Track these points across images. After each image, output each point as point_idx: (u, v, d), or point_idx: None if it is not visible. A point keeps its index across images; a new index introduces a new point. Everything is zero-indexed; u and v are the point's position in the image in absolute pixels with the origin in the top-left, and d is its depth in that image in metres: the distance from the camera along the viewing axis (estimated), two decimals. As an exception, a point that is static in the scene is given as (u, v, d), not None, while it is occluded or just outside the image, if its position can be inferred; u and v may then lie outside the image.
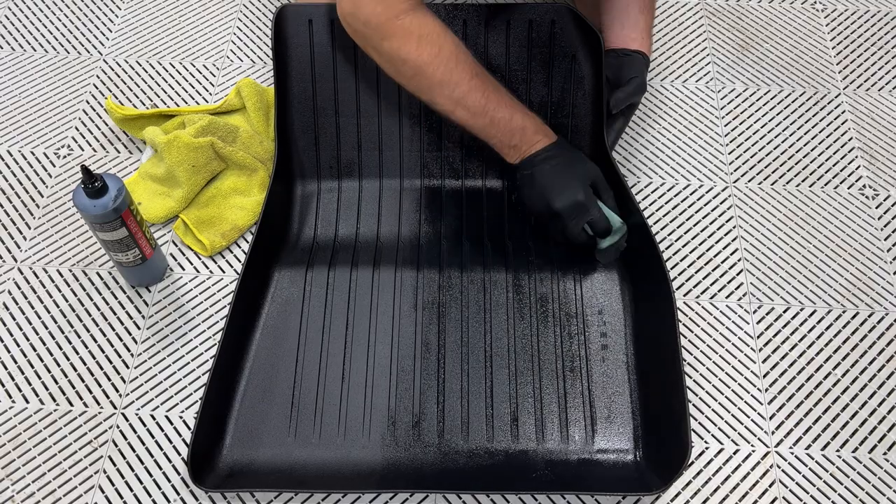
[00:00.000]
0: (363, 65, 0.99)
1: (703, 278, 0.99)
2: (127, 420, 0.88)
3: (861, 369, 0.92)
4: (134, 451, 0.86)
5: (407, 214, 1.01)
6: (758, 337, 0.95)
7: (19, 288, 0.97)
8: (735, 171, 1.08)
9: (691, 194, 1.06)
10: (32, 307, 0.96)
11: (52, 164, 1.07)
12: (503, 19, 0.98)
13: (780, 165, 1.08)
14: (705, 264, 1.00)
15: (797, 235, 1.02)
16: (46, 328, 0.94)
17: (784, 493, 0.85)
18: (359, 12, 0.83)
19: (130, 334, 0.94)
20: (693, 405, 0.90)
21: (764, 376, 0.92)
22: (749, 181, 1.07)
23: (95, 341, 0.93)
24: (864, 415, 0.89)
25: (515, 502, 0.84)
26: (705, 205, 1.05)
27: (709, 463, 0.86)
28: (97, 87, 1.15)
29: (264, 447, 0.84)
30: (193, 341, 0.93)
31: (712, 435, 0.88)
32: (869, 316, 0.96)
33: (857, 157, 1.09)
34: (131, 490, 0.84)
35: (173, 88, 1.15)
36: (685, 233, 1.02)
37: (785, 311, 0.96)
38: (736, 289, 0.98)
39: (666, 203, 1.05)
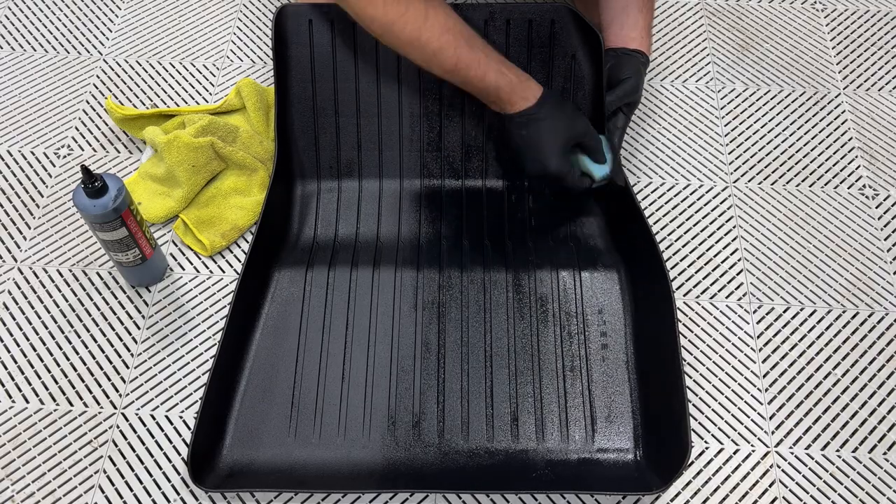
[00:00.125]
0: (363, 65, 0.99)
1: (703, 278, 0.99)
2: (127, 420, 0.88)
3: (861, 369, 0.92)
4: (134, 451, 0.86)
5: (407, 214, 1.01)
6: (758, 337, 0.95)
7: (19, 288, 0.97)
8: (735, 171, 1.08)
9: (691, 194, 1.06)
10: (32, 307, 0.96)
11: (52, 164, 1.07)
12: (503, 19, 0.98)
13: (780, 165, 1.08)
14: (705, 264, 1.00)
15: (797, 235, 1.02)
16: (46, 328, 0.94)
17: (784, 493, 0.85)
18: None
19: (130, 334, 0.94)
20: (693, 405, 0.90)
21: (764, 376, 0.92)
22: (749, 181, 1.07)
23: (95, 341, 0.93)
24: (864, 415, 0.89)
25: (515, 502, 0.84)
26: (705, 205, 1.05)
27: (709, 463, 0.86)
28: (97, 87, 1.15)
29: (264, 447, 0.84)
30: (193, 341, 0.94)
31: (712, 435, 0.88)
32: (869, 316, 0.96)
33: (857, 157, 1.09)
34: (131, 490, 0.84)
35: (173, 88, 1.15)
36: (685, 233, 1.02)
37: (785, 311, 0.96)
38: (736, 289, 0.98)
39: (666, 203, 1.05)
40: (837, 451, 0.87)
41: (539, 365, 0.89)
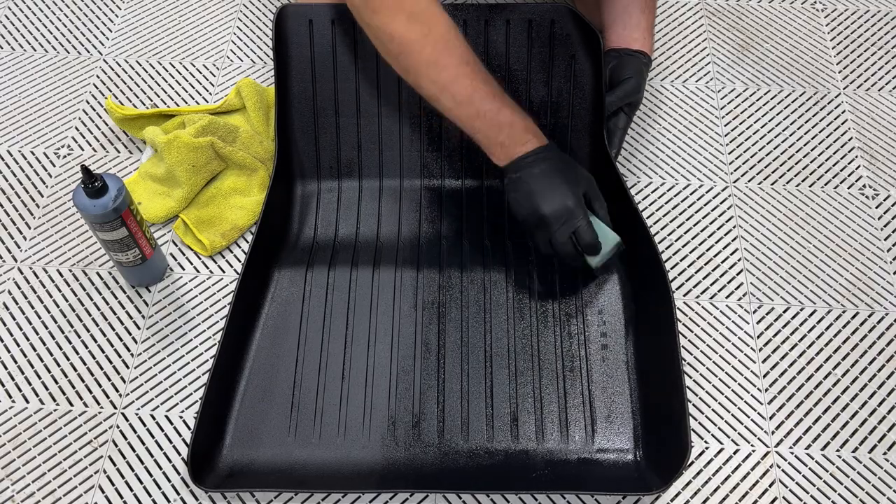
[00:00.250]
0: (363, 65, 0.99)
1: (703, 278, 0.99)
2: (127, 420, 0.88)
3: (861, 369, 0.92)
4: (134, 451, 0.86)
5: (407, 214, 1.01)
6: (758, 337, 0.95)
7: (19, 288, 0.97)
8: (735, 171, 1.08)
9: (691, 194, 1.06)
10: (32, 307, 0.96)
11: (52, 164, 1.07)
12: (503, 19, 0.98)
13: (780, 165, 1.08)
14: (705, 264, 1.00)
15: (797, 235, 1.02)
16: (46, 328, 0.94)
17: (784, 493, 0.85)
18: None
19: (130, 334, 0.94)
20: (693, 405, 0.90)
21: (764, 376, 0.92)
22: (749, 181, 1.07)
23: (95, 341, 0.93)
24: (864, 415, 0.89)
25: (515, 502, 0.84)
26: (705, 205, 1.05)
27: (709, 463, 0.86)
28: (97, 87, 1.15)
29: (264, 447, 0.84)
30: (193, 341, 0.94)
31: (712, 435, 0.88)
32: (869, 316, 0.96)
33: (857, 157, 1.09)
34: (131, 490, 0.84)
35: (173, 88, 1.15)
36: (685, 233, 1.02)
37: (785, 311, 0.96)
38: (736, 289, 0.98)
39: (666, 203, 1.05)
40: (837, 451, 0.87)
41: (539, 365, 0.89)
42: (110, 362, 0.92)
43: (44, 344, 0.93)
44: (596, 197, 0.89)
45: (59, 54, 1.18)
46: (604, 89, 0.98)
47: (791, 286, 0.98)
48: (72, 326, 0.94)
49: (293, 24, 0.98)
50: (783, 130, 1.11)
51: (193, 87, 1.15)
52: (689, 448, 0.76)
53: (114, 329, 0.94)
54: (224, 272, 0.99)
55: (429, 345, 0.91)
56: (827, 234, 1.02)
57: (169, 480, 0.85)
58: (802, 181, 1.07)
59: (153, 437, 0.87)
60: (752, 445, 0.88)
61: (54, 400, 0.90)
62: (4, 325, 0.94)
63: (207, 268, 0.99)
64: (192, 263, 0.99)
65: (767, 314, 0.96)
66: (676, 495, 0.85)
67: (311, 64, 0.99)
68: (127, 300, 0.96)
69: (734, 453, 0.87)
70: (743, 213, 1.04)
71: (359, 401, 0.87)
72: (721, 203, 1.05)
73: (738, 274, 0.99)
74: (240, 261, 1.00)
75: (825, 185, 1.07)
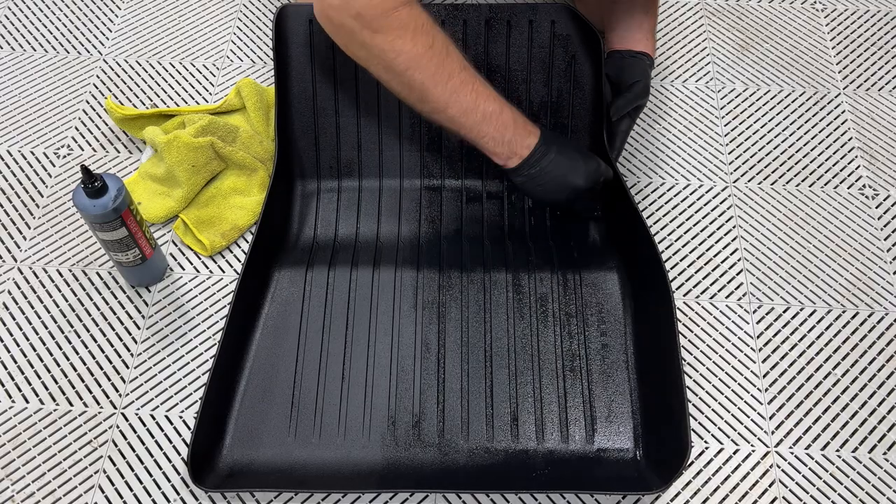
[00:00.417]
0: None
1: (703, 278, 0.99)
2: (127, 420, 0.88)
3: (861, 369, 0.92)
4: (134, 451, 0.86)
5: (407, 214, 1.01)
6: (758, 337, 0.95)
7: (19, 288, 0.97)
8: (735, 171, 1.08)
9: (691, 194, 1.06)
10: (32, 307, 0.96)
11: (52, 164, 1.07)
12: (503, 19, 0.98)
13: (780, 165, 1.08)
14: (705, 264, 1.00)
15: (797, 235, 1.02)
16: (46, 328, 0.94)
17: (784, 493, 0.85)
18: (349, 5, 0.79)
19: (130, 334, 0.94)
20: (693, 405, 0.90)
21: (764, 376, 0.92)
22: (749, 181, 1.07)
23: (95, 341, 0.93)
24: (864, 415, 0.89)
25: (515, 502, 0.84)
26: (705, 205, 1.05)
27: (709, 463, 0.86)
28: (97, 87, 1.15)
29: (264, 447, 0.84)
30: (193, 341, 0.94)
31: (712, 435, 0.88)
32: (869, 316, 0.96)
33: (857, 157, 1.09)
34: (131, 490, 0.84)
35: (173, 88, 1.15)
36: (685, 233, 1.02)
37: (785, 311, 0.96)
38: (736, 289, 0.98)
39: (666, 203, 1.05)
40: (837, 451, 0.87)
41: (539, 365, 0.89)
42: (110, 362, 0.92)
43: (44, 344, 0.93)
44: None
45: (59, 54, 1.18)
46: (604, 89, 0.98)
47: (791, 286, 0.98)
48: (72, 326, 0.94)
49: (293, 24, 0.98)
50: (783, 130, 1.11)
51: (193, 87, 1.15)
52: (689, 448, 0.76)
53: (114, 329, 0.94)
54: (224, 272, 0.99)
55: (429, 345, 0.91)
56: (827, 234, 1.02)
57: (169, 480, 0.85)
58: (802, 181, 1.07)
59: (153, 437, 0.87)
60: (751, 445, 0.88)
61: (54, 400, 0.90)
62: (4, 325, 0.94)
63: (207, 268, 0.99)
64: (192, 263, 0.99)
65: (767, 314, 0.96)
66: (676, 495, 0.85)
67: (311, 64, 0.99)
68: (127, 300, 0.96)
69: (734, 453, 0.87)
70: (743, 213, 1.04)
71: (359, 401, 0.87)
72: (721, 203, 1.05)
73: (738, 274, 0.99)
74: (240, 261, 1.00)
75: (825, 185, 1.07)
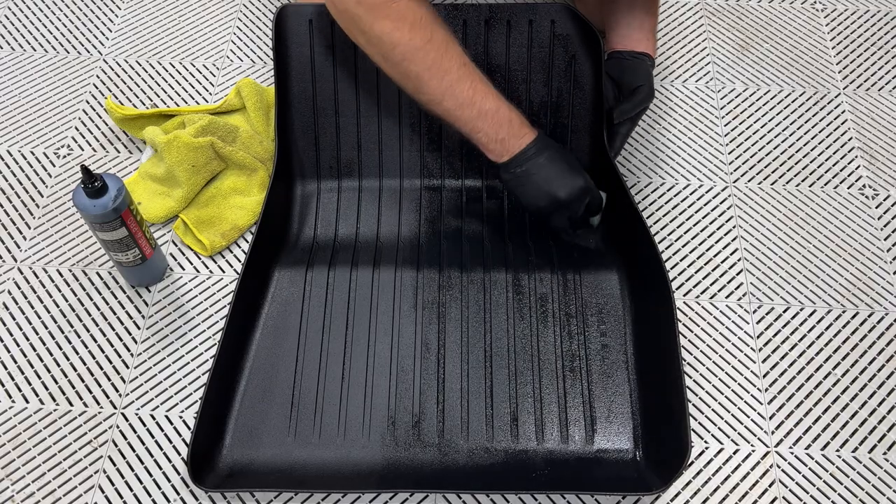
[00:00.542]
0: (363, 65, 0.99)
1: (703, 278, 0.99)
2: (127, 420, 0.88)
3: (861, 369, 0.92)
4: (134, 451, 0.86)
5: (407, 214, 1.01)
6: (758, 337, 0.95)
7: (19, 288, 0.97)
8: (735, 171, 1.08)
9: (691, 194, 1.06)
10: (32, 307, 0.96)
11: (52, 164, 1.07)
12: (503, 19, 0.98)
13: (780, 165, 1.08)
14: (705, 264, 1.00)
15: (797, 235, 1.02)
16: (46, 328, 0.94)
17: (784, 492, 0.85)
18: None
19: (130, 334, 0.94)
20: (693, 405, 0.90)
21: (764, 376, 0.92)
22: (749, 181, 1.07)
23: (95, 341, 0.93)
24: (864, 415, 0.89)
25: (515, 502, 0.84)
26: (705, 205, 1.05)
27: (709, 463, 0.86)
28: (97, 87, 1.15)
29: (264, 447, 0.84)
30: (193, 341, 0.94)
31: (712, 435, 0.88)
32: (869, 316, 0.96)
33: (857, 157, 1.09)
34: (131, 490, 0.84)
35: (173, 88, 1.15)
36: (685, 233, 1.02)
37: (785, 311, 0.96)
38: (736, 289, 0.98)
39: (666, 203, 1.05)
40: (837, 451, 0.87)
41: (539, 365, 0.89)
42: (110, 362, 0.92)
43: (44, 344, 0.93)
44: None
45: (59, 54, 1.18)
46: (605, 89, 0.98)
47: (791, 286, 0.98)
48: (72, 326, 0.94)
49: (293, 24, 0.98)
50: (783, 130, 1.11)
51: (193, 87, 1.15)
52: (689, 448, 0.76)
53: (114, 329, 0.94)
54: (224, 272, 0.99)
55: (429, 345, 0.91)
56: (827, 234, 1.02)
57: (169, 480, 0.85)
58: (802, 181, 1.07)
59: (153, 437, 0.87)
60: (751, 445, 0.87)
61: (54, 400, 0.90)
62: (4, 325, 0.94)
63: (207, 268, 0.99)
64: (192, 263, 0.99)
65: (767, 314, 0.96)
66: (676, 495, 0.85)
67: (311, 64, 0.99)
68: (127, 300, 0.96)
69: (734, 453, 0.87)
70: (743, 213, 1.04)
71: (359, 401, 0.87)
72: (721, 203, 1.05)
73: (738, 274, 0.99)
74: (240, 261, 1.00)
75: (825, 185, 1.07)
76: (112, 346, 0.93)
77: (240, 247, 1.01)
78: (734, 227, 1.03)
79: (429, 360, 0.90)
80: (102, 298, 0.96)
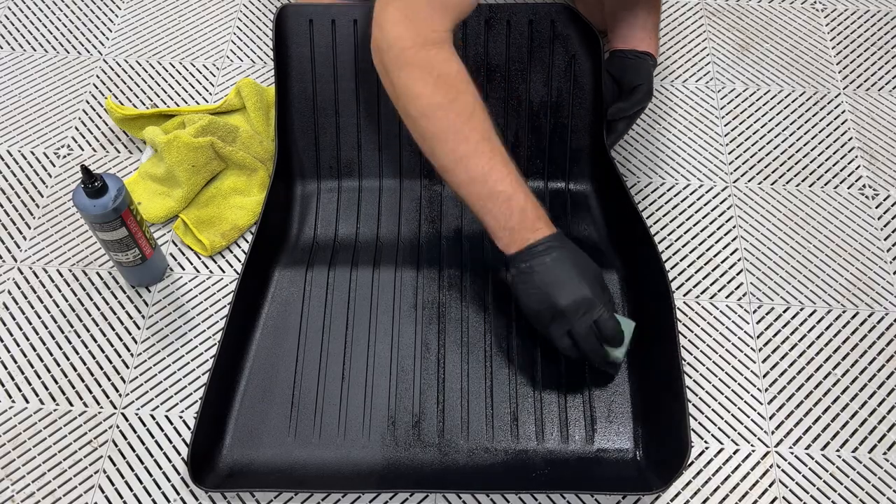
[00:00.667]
0: (363, 65, 0.99)
1: (703, 278, 0.99)
2: (127, 420, 0.88)
3: (861, 369, 0.92)
4: (134, 451, 0.86)
5: (407, 214, 1.01)
6: (758, 337, 0.95)
7: (19, 288, 0.97)
8: (735, 171, 1.08)
9: (691, 194, 1.06)
10: (32, 307, 0.96)
11: (52, 164, 1.07)
12: (503, 19, 0.98)
13: (780, 165, 1.08)
14: (705, 264, 1.00)
15: (797, 235, 1.02)
16: (46, 328, 0.94)
17: (784, 492, 0.85)
18: (385, 33, 0.76)
19: (130, 334, 0.94)
20: (693, 405, 0.90)
21: (764, 376, 0.92)
22: (749, 181, 1.07)
23: (95, 341, 0.93)
24: (864, 415, 0.89)
25: (515, 502, 0.84)
26: (705, 205, 1.05)
27: (709, 463, 0.86)
28: (97, 87, 1.15)
29: (264, 447, 0.84)
30: (193, 341, 0.94)
31: (712, 435, 0.88)
32: (869, 316, 0.96)
33: (857, 157, 1.09)
34: (131, 490, 0.84)
35: (173, 88, 1.15)
36: (685, 233, 1.02)
37: (785, 311, 0.96)
38: (736, 289, 0.98)
39: (666, 203, 1.05)
40: (837, 451, 0.87)
41: (539, 365, 0.89)
42: (110, 362, 0.92)
43: (44, 344, 0.93)
44: (606, 289, 0.82)
45: (59, 54, 1.18)
46: (604, 89, 0.98)
47: (791, 286, 0.98)
48: (72, 326, 0.94)
49: (293, 24, 0.98)
50: (783, 130, 1.11)
51: (193, 87, 1.15)
52: (689, 448, 0.76)
53: (114, 329, 0.94)
54: (224, 272, 0.99)
55: (429, 345, 0.91)
56: (827, 234, 1.02)
57: (169, 480, 0.85)
58: (802, 181, 1.07)
59: (153, 437, 0.87)
60: (751, 445, 0.88)
61: (54, 400, 0.90)
62: (4, 325, 0.94)
63: (207, 268, 0.99)
64: (192, 263, 0.99)
65: (767, 314, 0.96)
66: (676, 495, 0.85)
67: (311, 64, 0.99)
68: (127, 300, 0.96)
69: (734, 453, 0.87)
70: (743, 213, 1.04)
71: (359, 401, 0.87)
72: (721, 203, 1.05)
73: (738, 274, 0.99)
74: (240, 261, 1.00)
75: (825, 185, 1.07)
76: (112, 346, 0.93)
77: (240, 247, 1.01)
78: (734, 227, 1.03)
79: (429, 360, 0.90)
80: (102, 298, 0.96)
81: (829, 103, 1.14)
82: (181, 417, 0.88)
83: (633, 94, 0.97)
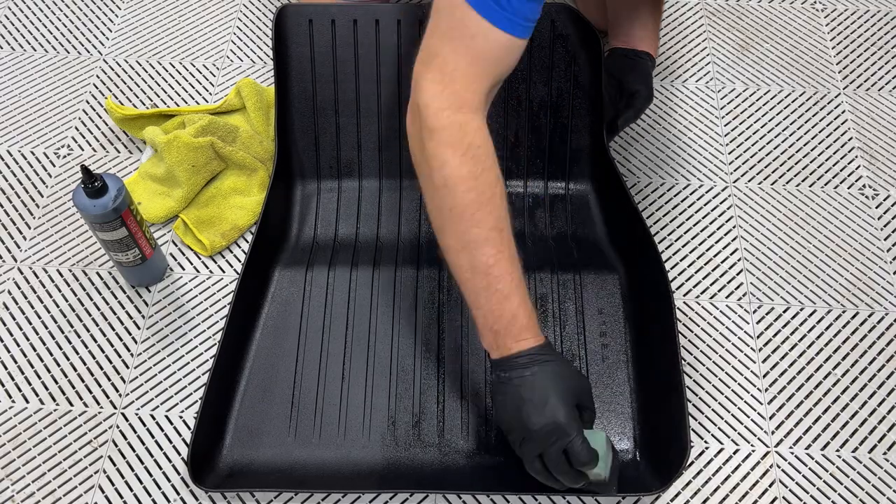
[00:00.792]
0: (363, 65, 0.99)
1: (703, 278, 0.99)
2: (127, 420, 0.88)
3: (861, 369, 0.92)
4: (134, 451, 0.86)
5: (407, 214, 1.01)
6: (758, 337, 0.95)
7: (19, 288, 0.97)
8: (735, 171, 1.08)
9: (691, 194, 1.06)
10: (32, 307, 0.96)
11: (52, 164, 1.07)
12: (503, 19, 0.98)
13: (780, 165, 1.08)
14: (705, 264, 1.00)
15: (797, 235, 1.02)
16: (46, 328, 0.94)
17: (784, 493, 0.85)
18: (421, 93, 0.73)
19: (130, 334, 0.94)
20: (693, 405, 0.90)
21: (764, 376, 0.92)
22: (749, 181, 1.07)
23: (95, 341, 0.93)
24: (864, 415, 0.89)
25: (515, 502, 0.84)
26: (705, 205, 1.05)
27: (709, 463, 0.86)
28: (97, 87, 1.15)
29: (264, 447, 0.84)
30: (193, 341, 0.94)
31: (712, 435, 0.88)
32: (869, 316, 0.96)
33: (857, 157, 1.09)
34: (131, 490, 0.84)
35: (173, 88, 1.15)
36: (685, 233, 1.02)
37: (785, 311, 0.96)
38: (736, 289, 0.98)
39: (666, 203, 1.05)
40: (837, 451, 0.87)
41: (539, 365, 0.89)
42: (110, 362, 0.92)
43: (44, 344, 0.93)
44: (587, 406, 0.76)
45: (59, 54, 1.18)
46: (603, 89, 0.98)
47: (791, 286, 0.98)
48: (72, 326, 0.94)
49: (293, 24, 0.98)
50: (783, 130, 1.11)
51: (193, 87, 1.15)
52: (689, 448, 0.76)
53: (114, 329, 0.94)
54: (224, 272, 0.99)
55: (429, 345, 0.91)
56: (827, 234, 1.02)
57: (169, 480, 0.85)
58: (802, 181, 1.07)
59: (153, 437, 0.87)
60: (751, 445, 0.87)
61: (54, 400, 0.90)
62: (4, 325, 0.94)
63: (207, 268, 0.99)
64: (192, 263, 0.99)
65: (767, 314, 0.96)
66: (676, 495, 0.85)
67: (311, 64, 0.99)
68: (127, 300, 0.96)
69: (734, 453, 0.87)
70: (743, 213, 1.04)
71: (359, 401, 0.87)
72: (721, 203, 1.05)
73: (738, 274, 0.99)
74: (240, 261, 1.00)
75: (825, 185, 1.07)
76: (112, 346, 0.93)
77: (240, 247, 1.01)
78: (734, 227, 1.03)
79: (429, 360, 0.90)
80: (102, 298, 0.96)
81: (829, 103, 1.14)
82: (181, 417, 0.88)
83: (634, 101, 0.97)
